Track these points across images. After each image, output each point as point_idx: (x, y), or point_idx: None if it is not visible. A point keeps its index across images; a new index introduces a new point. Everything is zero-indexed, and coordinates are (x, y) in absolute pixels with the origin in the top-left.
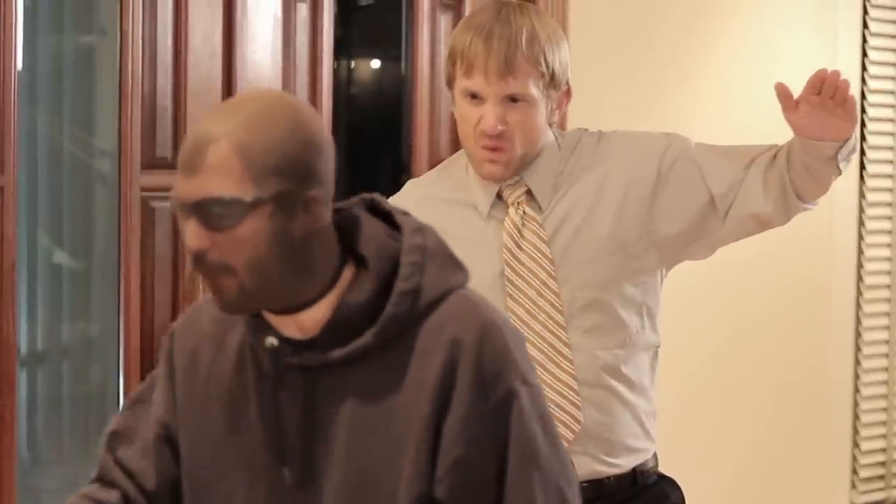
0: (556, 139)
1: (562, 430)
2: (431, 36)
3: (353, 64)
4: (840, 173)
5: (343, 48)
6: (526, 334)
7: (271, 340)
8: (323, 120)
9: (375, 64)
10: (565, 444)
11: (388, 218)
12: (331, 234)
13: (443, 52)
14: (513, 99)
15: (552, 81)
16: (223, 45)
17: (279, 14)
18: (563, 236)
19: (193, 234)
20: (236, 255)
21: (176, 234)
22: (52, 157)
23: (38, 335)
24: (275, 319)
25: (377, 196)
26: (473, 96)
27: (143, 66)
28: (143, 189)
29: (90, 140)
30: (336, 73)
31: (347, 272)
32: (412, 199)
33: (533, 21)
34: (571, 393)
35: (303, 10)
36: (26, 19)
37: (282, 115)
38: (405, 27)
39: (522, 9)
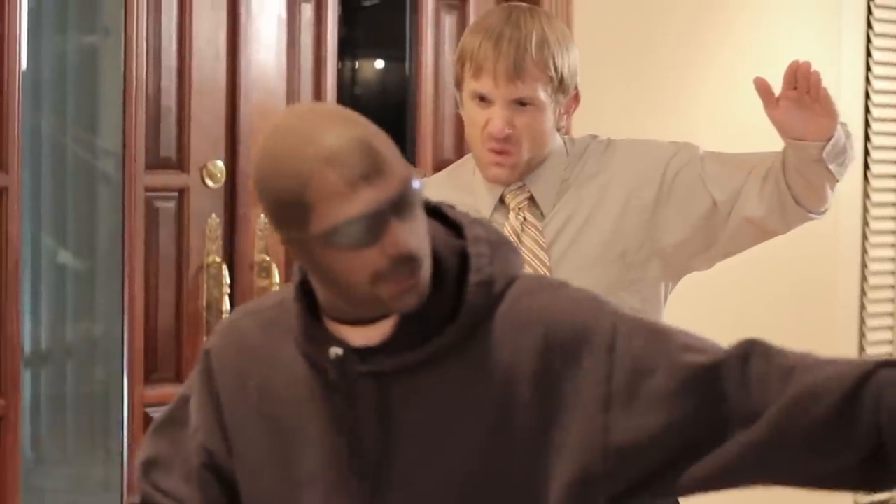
0: (566, 145)
1: None
2: (436, 37)
3: (357, 65)
4: (835, 179)
5: (347, 49)
6: None
7: (336, 350)
8: None
9: (379, 64)
10: None
11: (434, 212)
12: None
13: (447, 52)
14: (521, 102)
15: (561, 86)
16: (227, 45)
17: (283, 15)
18: (561, 243)
19: (405, 233)
20: (424, 241)
21: (180, 234)
22: (55, 157)
23: (42, 335)
24: (340, 329)
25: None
26: (482, 99)
27: (146, 67)
28: (146, 189)
29: (94, 140)
30: (340, 73)
31: None
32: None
33: (543, 25)
34: None
35: (307, 11)
36: (30, 20)
37: (348, 111)
38: (409, 28)
39: (533, 12)
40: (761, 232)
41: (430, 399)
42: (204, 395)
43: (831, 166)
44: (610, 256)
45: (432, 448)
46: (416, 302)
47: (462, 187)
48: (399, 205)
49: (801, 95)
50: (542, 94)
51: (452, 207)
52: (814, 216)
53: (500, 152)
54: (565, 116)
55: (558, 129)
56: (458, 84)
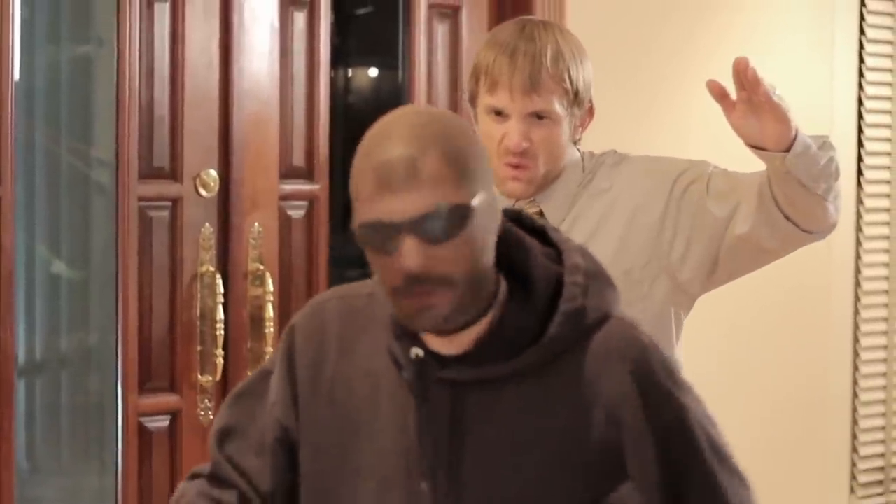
0: (583, 160)
1: None
2: (428, 45)
3: (350, 73)
4: (816, 195)
5: (340, 57)
6: None
7: (417, 351)
8: (320, 129)
9: (372, 73)
10: None
11: (538, 233)
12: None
13: (440, 61)
14: (537, 116)
15: (576, 99)
16: (220, 54)
17: (276, 24)
18: None
19: (414, 253)
20: (457, 266)
21: (173, 243)
22: (49, 167)
23: (37, 345)
24: (427, 335)
25: (524, 211)
26: (498, 113)
27: (140, 77)
28: (140, 199)
29: (87, 150)
30: (333, 82)
31: (502, 288)
32: None
33: (557, 38)
34: None
35: (300, 20)
36: (23, 30)
37: (453, 119)
38: (402, 36)
39: (546, 26)
40: (758, 251)
41: (503, 417)
42: (283, 370)
43: (805, 180)
44: (614, 273)
45: (496, 464)
46: (437, 323)
47: None
48: (420, 224)
49: (750, 97)
50: (558, 108)
51: (557, 231)
52: (811, 235)
53: (516, 166)
54: (580, 129)
55: (574, 143)
56: (473, 100)
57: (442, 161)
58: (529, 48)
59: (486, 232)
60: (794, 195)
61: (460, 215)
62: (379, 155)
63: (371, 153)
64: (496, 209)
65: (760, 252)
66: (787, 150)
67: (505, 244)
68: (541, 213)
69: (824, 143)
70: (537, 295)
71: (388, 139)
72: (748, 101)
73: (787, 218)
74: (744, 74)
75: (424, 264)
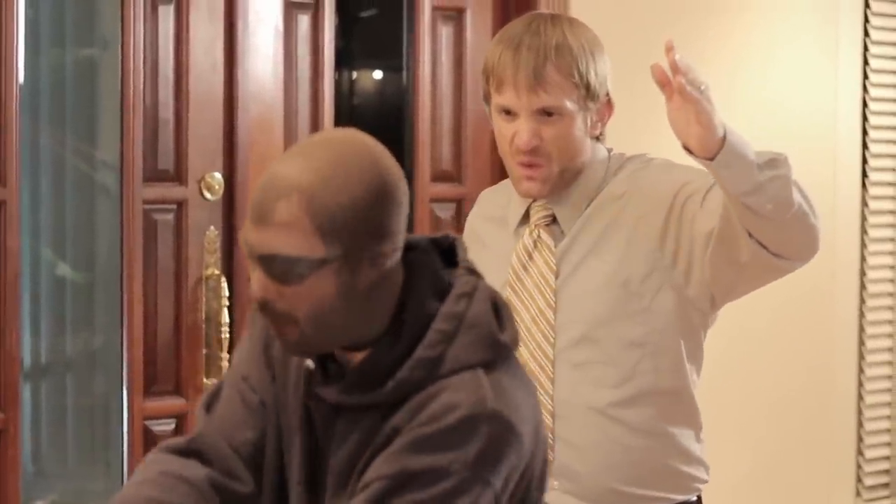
0: (609, 160)
1: None
2: (433, 47)
3: (354, 75)
4: (763, 218)
5: (344, 59)
6: None
7: (309, 364)
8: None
9: (377, 75)
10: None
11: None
12: (397, 278)
13: (444, 62)
14: (547, 113)
15: (588, 93)
16: (224, 57)
17: (280, 26)
18: (567, 267)
19: (259, 284)
20: (299, 307)
21: (178, 246)
22: (54, 169)
23: (42, 348)
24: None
25: (459, 239)
26: (507, 112)
27: (144, 79)
28: (145, 202)
29: (92, 153)
30: (337, 84)
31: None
32: (472, 216)
33: (565, 31)
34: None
35: (304, 22)
36: (28, 32)
37: (357, 167)
38: (406, 38)
39: (555, 20)
40: (736, 268)
41: (354, 445)
42: (258, 339)
43: (735, 194)
44: (612, 284)
45: (342, 491)
46: (289, 349)
47: (503, 199)
48: (263, 262)
49: (682, 87)
50: (568, 103)
51: (468, 272)
52: (780, 260)
53: (529, 165)
54: (599, 125)
55: (596, 139)
56: (486, 99)
57: (300, 208)
58: (534, 42)
59: (347, 281)
60: (737, 211)
61: (301, 266)
62: (266, 176)
63: (269, 168)
64: (386, 255)
65: (739, 269)
66: (712, 158)
67: (410, 275)
68: (553, 218)
69: (771, 161)
70: (405, 337)
71: (276, 164)
72: (681, 91)
73: (750, 235)
74: (666, 54)
75: (266, 297)
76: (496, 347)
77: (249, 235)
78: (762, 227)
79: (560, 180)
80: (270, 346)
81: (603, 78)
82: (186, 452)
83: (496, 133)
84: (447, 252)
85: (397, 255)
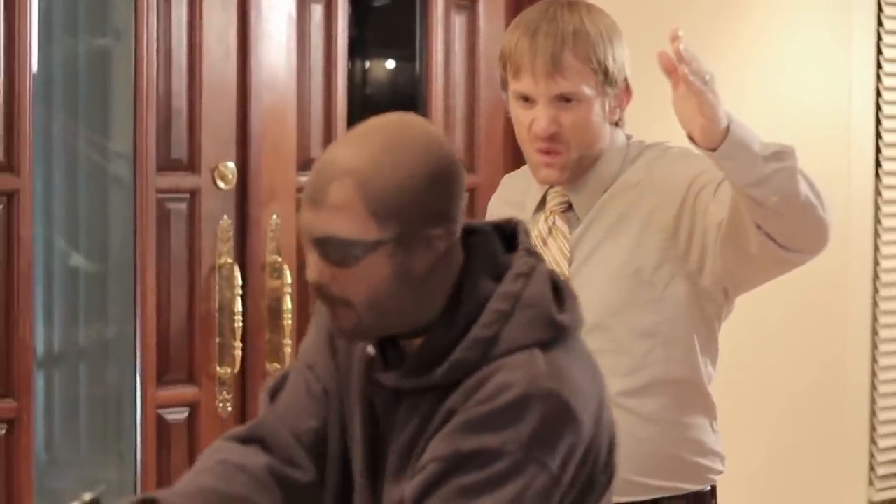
0: (627, 147)
1: None
2: (446, 36)
3: (367, 64)
4: (769, 209)
5: (357, 49)
6: None
7: (370, 350)
8: (338, 120)
9: (390, 64)
10: None
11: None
12: (455, 262)
13: (457, 52)
14: (565, 99)
15: (606, 78)
16: (238, 46)
17: (293, 15)
18: (581, 254)
19: (315, 267)
20: (355, 291)
21: (191, 235)
22: (67, 159)
23: (55, 338)
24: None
25: (521, 224)
26: (525, 99)
27: (157, 69)
28: (158, 191)
29: (105, 143)
30: (350, 73)
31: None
32: (493, 199)
33: (582, 17)
34: None
35: (317, 11)
36: (41, 22)
37: (410, 151)
38: (419, 27)
39: (572, 6)
40: (746, 259)
41: (413, 428)
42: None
43: (739, 185)
44: (624, 273)
45: (404, 475)
46: (344, 337)
47: (523, 184)
48: (318, 245)
49: (687, 76)
50: (586, 89)
51: (527, 253)
52: (788, 252)
53: (547, 152)
54: (618, 110)
55: (616, 124)
56: (504, 85)
57: (353, 190)
58: (551, 28)
59: (402, 264)
60: (743, 203)
61: (356, 248)
62: (321, 159)
63: (325, 151)
64: (441, 237)
65: (749, 260)
66: (715, 149)
67: (471, 256)
68: (569, 205)
69: (777, 153)
70: (461, 318)
71: (331, 148)
72: (685, 80)
73: (758, 227)
74: (671, 43)
75: (321, 281)
76: (553, 327)
77: (305, 217)
78: (768, 218)
79: (578, 167)
80: (335, 336)
81: (621, 63)
82: (247, 440)
83: (514, 120)
84: (510, 238)
85: (454, 239)
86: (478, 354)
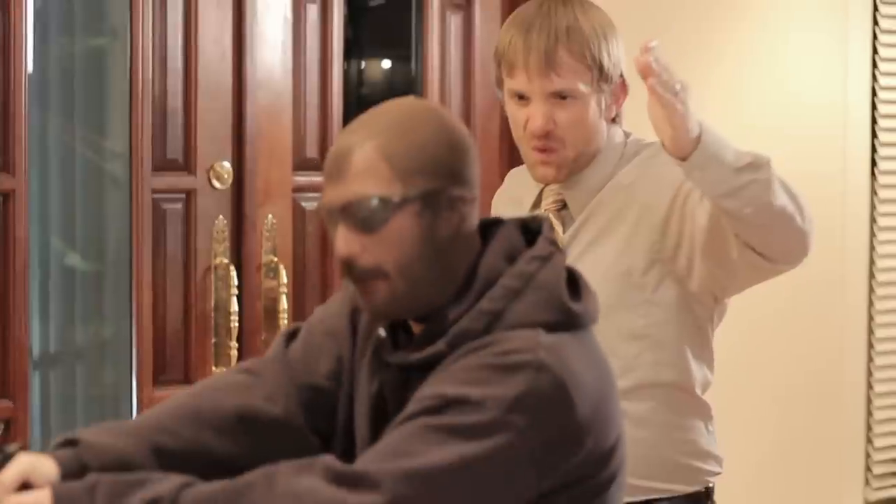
0: (625, 145)
1: None
2: (441, 36)
3: (363, 65)
4: (744, 221)
5: (353, 49)
6: None
7: (380, 332)
8: (334, 120)
9: (385, 65)
10: None
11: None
12: (475, 241)
13: (453, 52)
14: (560, 96)
15: (602, 75)
16: (233, 46)
17: (289, 15)
18: (572, 254)
19: (343, 240)
20: (387, 257)
21: (187, 235)
22: (63, 159)
23: (51, 338)
24: None
25: (547, 220)
26: (520, 97)
27: (153, 69)
28: (154, 191)
29: (101, 142)
30: (346, 73)
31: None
32: (497, 195)
33: (576, 13)
34: None
35: (313, 11)
36: (36, 22)
37: (425, 119)
38: (415, 28)
39: (566, 2)
40: (728, 265)
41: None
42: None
43: (710, 196)
44: (613, 274)
45: None
46: (377, 311)
47: (524, 180)
48: (346, 212)
49: (649, 89)
50: (582, 86)
51: (547, 240)
52: (766, 261)
53: (543, 150)
54: (614, 107)
55: (613, 121)
56: (499, 84)
57: (375, 153)
58: (545, 25)
59: (429, 225)
60: (720, 212)
61: (384, 208)
62: (336, 142)
63: (338, 137)
64: (465, 200)
65: (731, 266)
66: (685, 158)
67: (484, 248)
68: (563, 203)
69: (751, 164)
70: (472, 292)
71: (345, 130)
72: (652, 92)
73: (737, 236)
74: (641, 56)
75: (352, 252)
76: (563, 312)
77: (327, 194)
78: (744, 229)
79: (575, 165)
80: (357, 313)
81: (616, 60)
82: (247, 371)
83: (510, 118)
84: (534, 234)
85: (474, 206)
86: (482, 325)
